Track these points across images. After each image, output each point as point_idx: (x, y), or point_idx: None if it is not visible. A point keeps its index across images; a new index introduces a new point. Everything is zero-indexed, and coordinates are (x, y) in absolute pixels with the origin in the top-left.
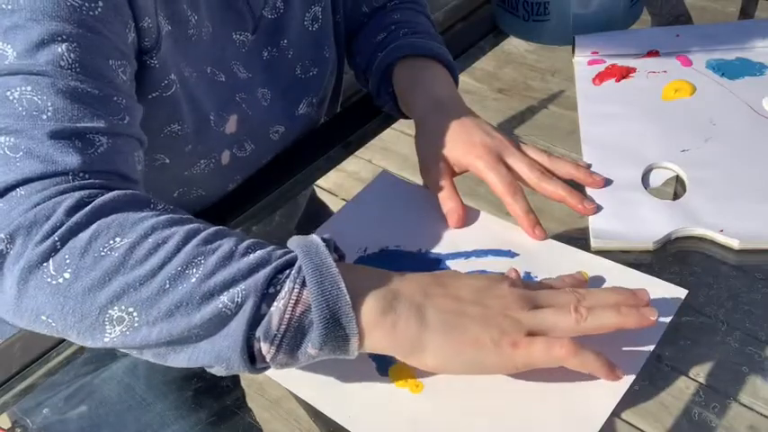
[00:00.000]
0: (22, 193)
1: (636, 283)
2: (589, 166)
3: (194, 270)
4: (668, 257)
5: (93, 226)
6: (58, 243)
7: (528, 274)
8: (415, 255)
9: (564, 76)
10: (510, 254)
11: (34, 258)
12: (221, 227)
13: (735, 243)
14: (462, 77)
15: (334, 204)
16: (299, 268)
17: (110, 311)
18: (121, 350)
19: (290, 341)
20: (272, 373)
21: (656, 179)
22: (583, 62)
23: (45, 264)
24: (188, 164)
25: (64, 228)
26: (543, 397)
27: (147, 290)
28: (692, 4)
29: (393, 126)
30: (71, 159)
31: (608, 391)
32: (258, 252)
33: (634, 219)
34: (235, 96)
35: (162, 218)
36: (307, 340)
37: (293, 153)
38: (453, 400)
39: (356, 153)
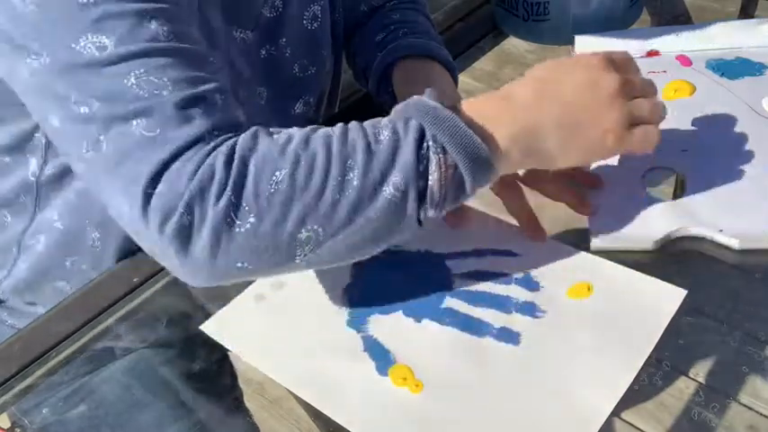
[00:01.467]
0: (177, 165)
1: (635, 284)
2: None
3: (351, 174)
4: (668, 257)
5: (251, 170)
6: (232, 196)
7: (528, 273)
8: (415, 255)
9: None
10: (510, 254)
11: (219, 216)
12: (335, 126)
13: (735, 243)
14: (462, 77)
15: None
16: (434, 138)
17: (298, 236)
18: (310, 267)
19: (451, 199)
20: (272, 372)
21: (657, 179)
22: None
23: (229, 218)
24: None
25: (230, 182)
26: (543, 397)
27: (323, 205)
28: (691, 4)
29: None
30: (203, 122)
31: (608, 391)
32: (385, 132)
33: (634, 219)
34: (238, 93)
35: (296, 140)
36: (462, 191)
37: None
38: (452, 400)
39: None
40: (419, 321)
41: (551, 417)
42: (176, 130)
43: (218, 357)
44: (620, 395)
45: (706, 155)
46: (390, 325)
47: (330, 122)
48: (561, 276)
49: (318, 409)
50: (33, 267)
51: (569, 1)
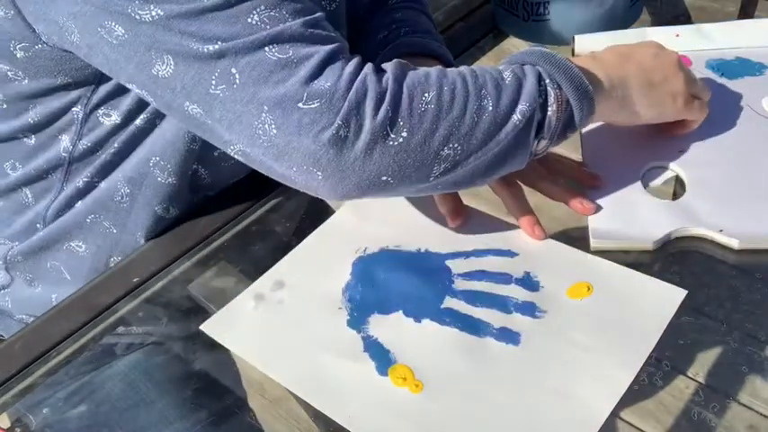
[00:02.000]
0: (325, 83)
1: (635, 284)
2: (589, 166)
3: (486, 102)
4: (668, 257)
5: (404, 89)
6: (390, 111)
7: (528, 273)
8: (415, 255)
9: None
10: (510, 254)
11: (378, 128)
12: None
13: (734, 243)
14: None
15: (335, 204)
16: (550, 76)
17: (441, 152)
18: (441, 187)
19: (561, 131)
20: (272, 372)
21: (656, 179)
22: None
23: (385, 131)
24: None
25: (387, 97)
26: (543, 397)
27: (464, 126)
28: (691, 4)
29: None
30: (330, 41)
31: (608, 391)
32: (507, 73)
33: (633, 219)
34: None
35: (433, 71)
36: (571, 125)
37: None
38: (453, 401)
39: None
40: (419, 321)
41: (551, 417)
42: (311, 47)
43: (219, 358)
44: (621, 395)
45: (706, 155)
46: (390, 325)
47: None
48: (561, 276)
49: (318, 409)
50: (52, 230)
51: (569, 1)
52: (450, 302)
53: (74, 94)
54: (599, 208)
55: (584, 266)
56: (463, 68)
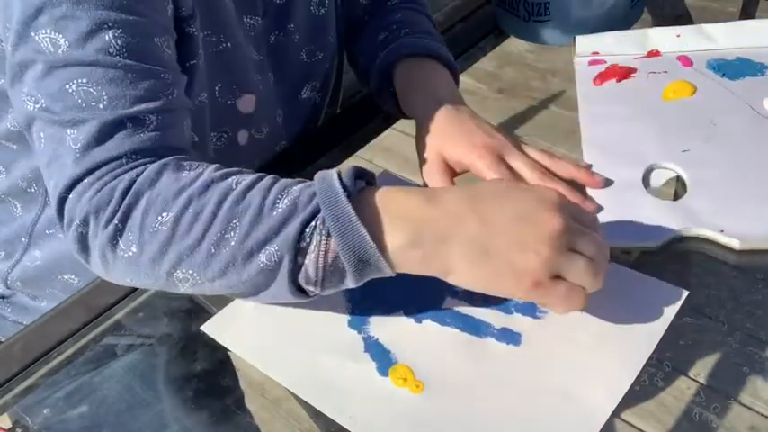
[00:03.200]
0: (87, 181)
1: (636, 284)
2: (590, 166)
3: (232, 234)
4: (669, 258)
5: (142, 204)
6: (119, 225)
7: None
8: None
9: (564, 77)
10: None
11: (105, 240)
12: (251, 175)
13: (735, 243)
14: (463, 78)
15: None
16: (323, 220)
17: (175, 274)
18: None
19: (331, 281)
20: (273, 373)
21: (657, 179)
22: (583, 62)
23: (115, 243)
24: (203, 137)
25: (120, 211)
26: (543, 397)
27: (198, 256)
28: (692, 4)
29: (394, 126)
30: (125, 144)
31: (608, 391)
32: (286, 201)
33: (635, 219)
34: (254, 76)
35: (197, 184)
36: (345, 278)
37: (294, 153)
38: (453, 401)
39: (357, 153)
40: (420, 322)
41: (552, 417)
42: (95, 149)
43: (219, 358)
44: (622, 396)
45: (707, 155)
46: (391, 325)
47: (332, 122)
48: None
49: (318, 409)
50: (46, 258)
51: (570, 1)
52: (450, 303)
53: None
54: (600, 208)
55: None
56: (239, 183)
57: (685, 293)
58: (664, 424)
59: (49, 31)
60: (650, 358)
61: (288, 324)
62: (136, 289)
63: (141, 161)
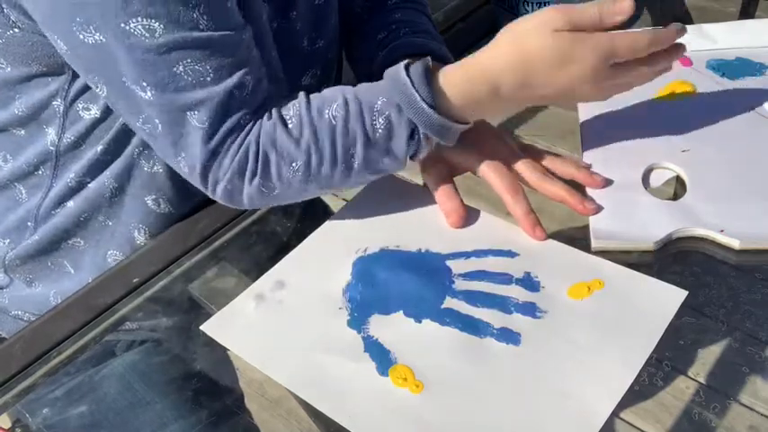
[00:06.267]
0: (223, 150)
1: (636, 284)
2: (589, 166)
3: (353, 161)
4: (668, 258)
5: (273, 160)
6: (261, 180)
7: (528, 274)
8: (416, 255)
9: None
10: (510, 254)
11: (253, 191)
12: (335, 102)
13: (735, 243)
14: None
15: (335, 204)
16: (425, 136)
17: (316, 192)
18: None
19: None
20: (272, 373)
21: (657, 179)
22: None
23: (261, 190)
24: None
25: (259, 169)
26: (543, 397)
27: (335, 182)
28: (692, 4)
29: None
30: (241, 110)
31: (608, 391)
32: (381, 121)
33: (634, 219)
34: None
35: (306, 133)
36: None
37: None
38: (453, 401)
39: None
40: (419, 322)
41: (552, 417)
42: (220, 125)
43: (219, 357)
44: (621, 395)
45: (706, 155)
46: (391, 325)
47: None
48: (561, 276)
49: (318, 409)
50: (44, 233)
51: (569, 1)
52: (450, 303)
53: (52, 85)
54: (599, 208)
55: (585, 267)
56: (337, 117)
57: (685, 293)
58: (663, 423)
59: (140, 18)
60: (650, 358)
61: (288, 324)
62: (136, 289)
63: (256, 121)
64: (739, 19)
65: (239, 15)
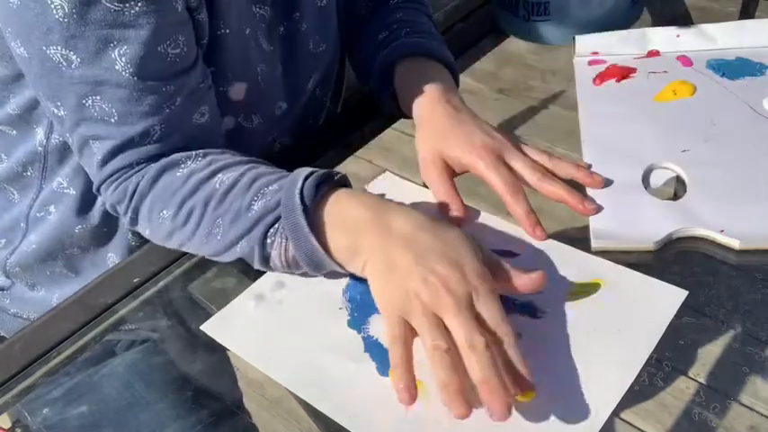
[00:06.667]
0: (108, 181)
1: (636, 284)
2: (589, 166)
3: (217, 230)
4: (669, 258)
5: (147, 202)
6: (133, 216)
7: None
8: None
9: (564, 76)
10: (510, 254)
11: (127, 223)
12: (234, 171)
13: (735, 243)
14: (462, 78)
15: None
16: (283, 227)
17: (182, 248)
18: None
19: (295, 270)
20: (272, 373)
21: (657, 179)
22: (583, 62)
23: (134, 225)
24: None
25: (131, 207)
26: (543, 397)
27: (195, 242)
28: (692, 4)
29: (394, 126)
30: (134, 155)
31: (609, 392)
32: (259, 204)
33: (634, 219)
34: (257, 66)
35: (188, 186)
36: (306, 271)
37: (294, 152)
38: None
39: (356, 153)
40: None
41: (552, 417)
42: (111, 162)
43: (219, 357)
44: (621, 395)
45: (706, 155)
46: None
47: (332, 122)
48: (561, 276)
49: (318, 409)
50: (41, 239)
51: (570, 1)
52: None
53: None
54: (600, 208)
55: (585, 267)
56: (222, 184)
57: (685, 293)
58: (663, 424)
59: (59, 48)
60: (650, 358)
61: (288, 324)
62: (136, 289)
63: (146, 166)
64: (739, 19)
65: (182, 63)
